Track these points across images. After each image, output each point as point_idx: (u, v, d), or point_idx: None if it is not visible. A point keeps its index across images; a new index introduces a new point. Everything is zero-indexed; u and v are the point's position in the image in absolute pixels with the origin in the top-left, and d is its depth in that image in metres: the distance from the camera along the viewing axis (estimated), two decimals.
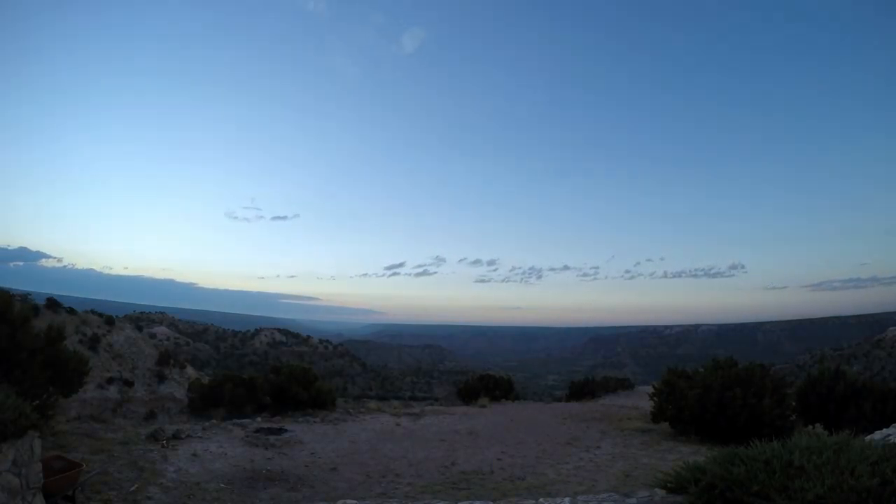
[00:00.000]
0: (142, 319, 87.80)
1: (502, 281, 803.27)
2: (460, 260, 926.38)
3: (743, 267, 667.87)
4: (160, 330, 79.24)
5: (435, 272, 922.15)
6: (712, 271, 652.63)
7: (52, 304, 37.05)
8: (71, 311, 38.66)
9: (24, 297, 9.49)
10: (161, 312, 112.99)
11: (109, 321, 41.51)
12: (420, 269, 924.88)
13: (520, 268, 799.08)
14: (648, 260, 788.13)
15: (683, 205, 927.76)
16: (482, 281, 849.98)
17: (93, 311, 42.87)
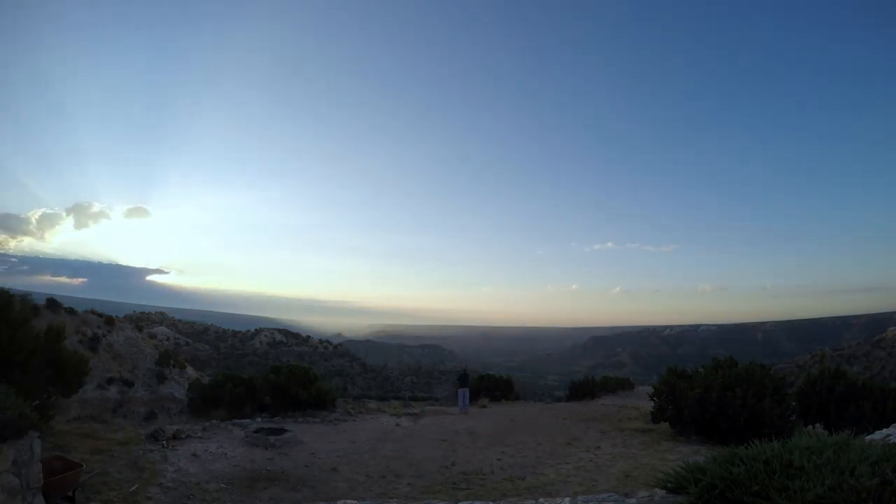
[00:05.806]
0: (142, 319, 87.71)
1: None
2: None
3: (726, 289, 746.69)
4: (160, 330, 78.92)
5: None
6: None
7: (52, 304, 36.94)
8: (71, 311, 38.54)
9: (24, 297, 9.48)
10: (161, 312, 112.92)
11: (109, 321, 41.41)
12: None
13: None
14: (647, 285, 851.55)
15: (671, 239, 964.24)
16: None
17: (93, 312, 42.78)
